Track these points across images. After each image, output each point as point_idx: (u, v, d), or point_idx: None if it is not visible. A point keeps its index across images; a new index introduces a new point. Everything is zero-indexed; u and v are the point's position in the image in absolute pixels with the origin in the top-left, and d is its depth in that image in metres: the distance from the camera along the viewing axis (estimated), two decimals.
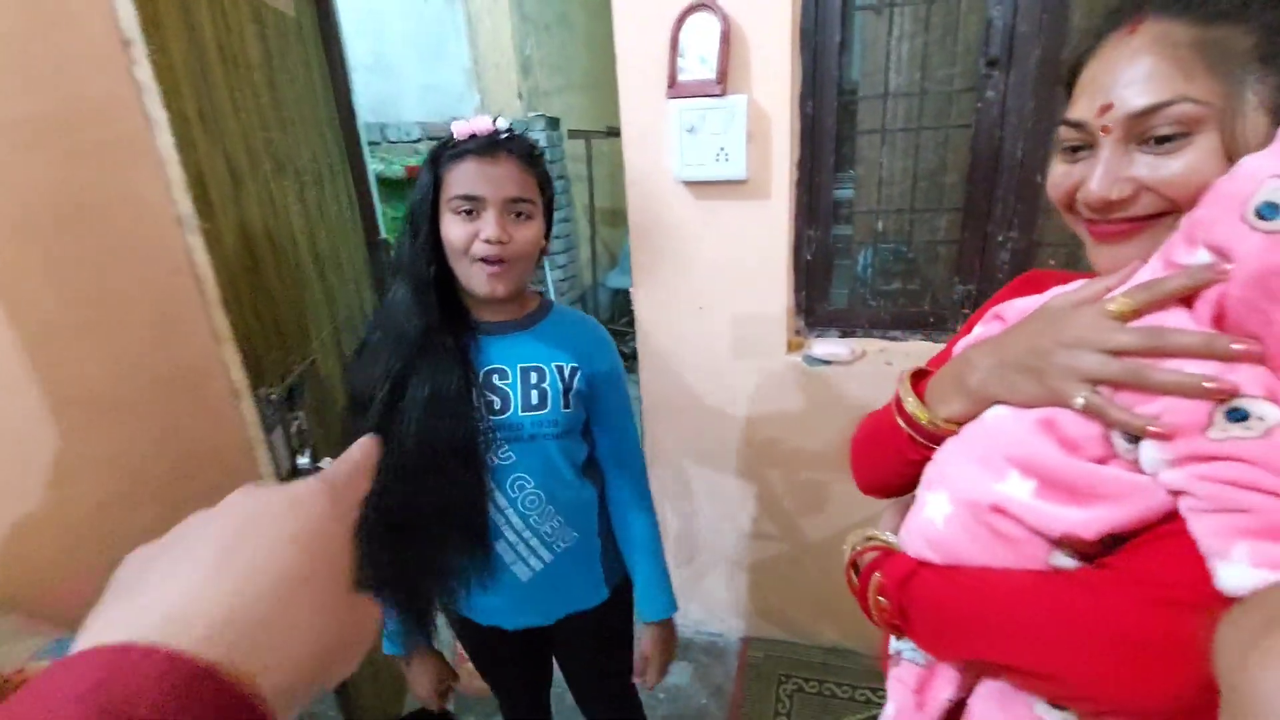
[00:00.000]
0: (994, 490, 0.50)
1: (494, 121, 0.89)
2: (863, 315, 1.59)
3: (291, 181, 1.22)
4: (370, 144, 1.85)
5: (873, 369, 1.51)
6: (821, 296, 1.60)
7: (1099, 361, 0.46)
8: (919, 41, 1.41)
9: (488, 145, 0.87)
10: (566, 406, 0.95)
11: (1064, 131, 0.54)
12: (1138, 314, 0.46)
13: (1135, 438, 0.45)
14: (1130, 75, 0.48)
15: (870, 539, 0.64)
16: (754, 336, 1.55)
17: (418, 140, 2.20)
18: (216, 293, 0.97)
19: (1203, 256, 0.43)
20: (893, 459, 0.65)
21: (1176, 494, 0.43)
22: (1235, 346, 0.41)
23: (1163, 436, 0.43)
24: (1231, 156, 0.44)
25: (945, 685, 0.57)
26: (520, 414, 0.93)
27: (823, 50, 1.38)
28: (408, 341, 0.89)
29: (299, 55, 1.32)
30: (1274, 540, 0.38)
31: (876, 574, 0.59)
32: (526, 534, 0.97)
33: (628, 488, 1.07)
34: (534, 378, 0.95)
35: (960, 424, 0.57)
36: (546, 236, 0.97)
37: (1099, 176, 0.50)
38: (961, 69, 1.40)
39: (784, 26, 1.30)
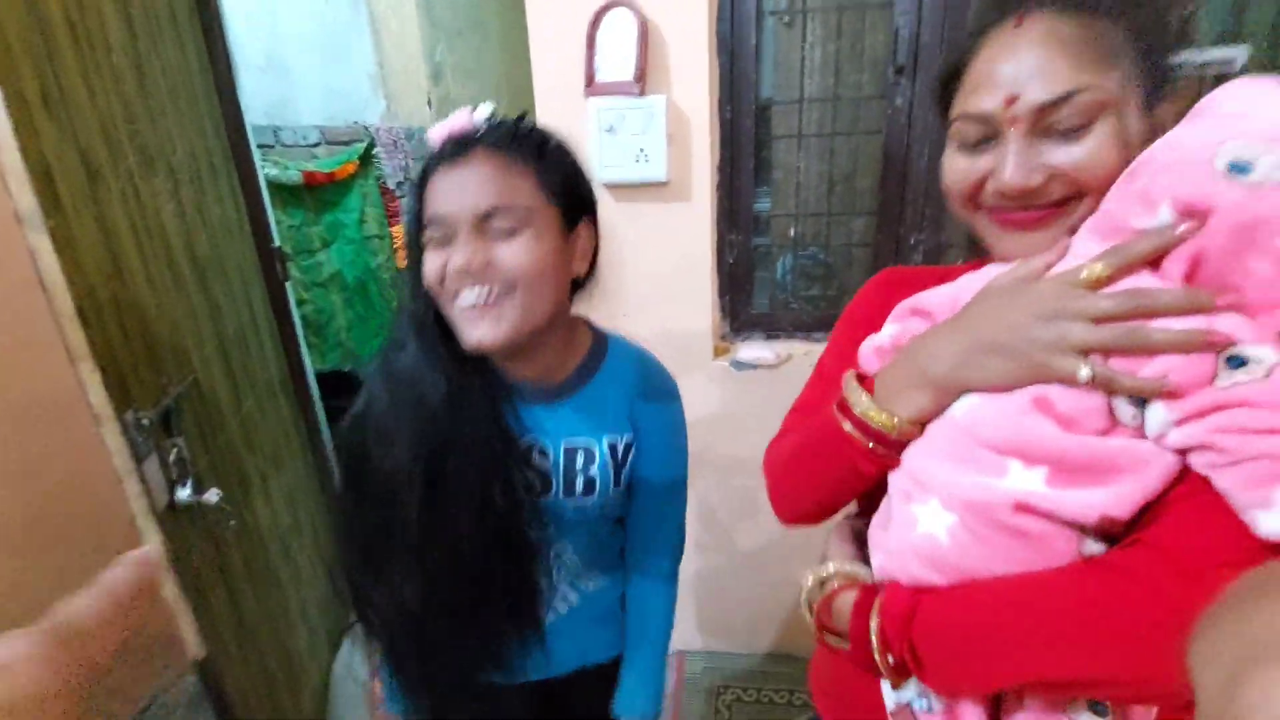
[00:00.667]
0: (1003, 488, 0.46)
1: (471, 114, 0.70)
2: (785, 319, 1.60)
3: (164, 179, 1.09)
4: (262, 146, 1.70)
5: (799, 372, 1.50)
6: (745, 301, 1.60)
7: (1086, 330, 0.44)
8: (830, 49, 1.45)
9: (456, 147, 0.67)
10: (617, 485, 0.80)
11: (964, 126, 0.53)
12: (1111, 280, 0.45)
13: (1140, 402, 0.44)
14: (1031, 68, 0.49)
15: (840, 576, 0.57)
16: (680, 343, 1.53)
17: (316, 144, 2.05)
18: (70, 302, 0.84)
19: (1165, 217, 0.43)
20: (838, 475, 0.58)
21: (1184, 453, 0.43)
22: (1217, 299, 0.42)
23: (1174, 395, 0.42)
24: (1125, 142, 0.48)
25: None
26: (562, 498, 0.78)
27: (739, 55, 1.39)
28: (431, 412, 0.70)
29: (173, 41, 1.19)
30: None
31: (874, 619, 0.51)
32: (558, 583, 0.86)
33: (656, 566, 0.92)
34: (581, 459, 0.77)
35: (924, 423, 0.53)
36: (593, 259, 0.77)
37: (1014, 165, 0.50)
38: (871, 76, 1.45)
39: (701, 30, 1.29)
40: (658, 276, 1.47)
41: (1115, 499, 0.44)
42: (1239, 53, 1.23)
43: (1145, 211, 0.44)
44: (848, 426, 0.55)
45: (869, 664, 0.52)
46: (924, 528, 0.51)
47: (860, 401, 0.55)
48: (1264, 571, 0.36)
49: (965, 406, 0.50)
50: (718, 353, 1.56)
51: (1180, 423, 0.42)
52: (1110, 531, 0.46)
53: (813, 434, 0.61)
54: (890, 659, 0.51)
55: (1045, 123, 0.49)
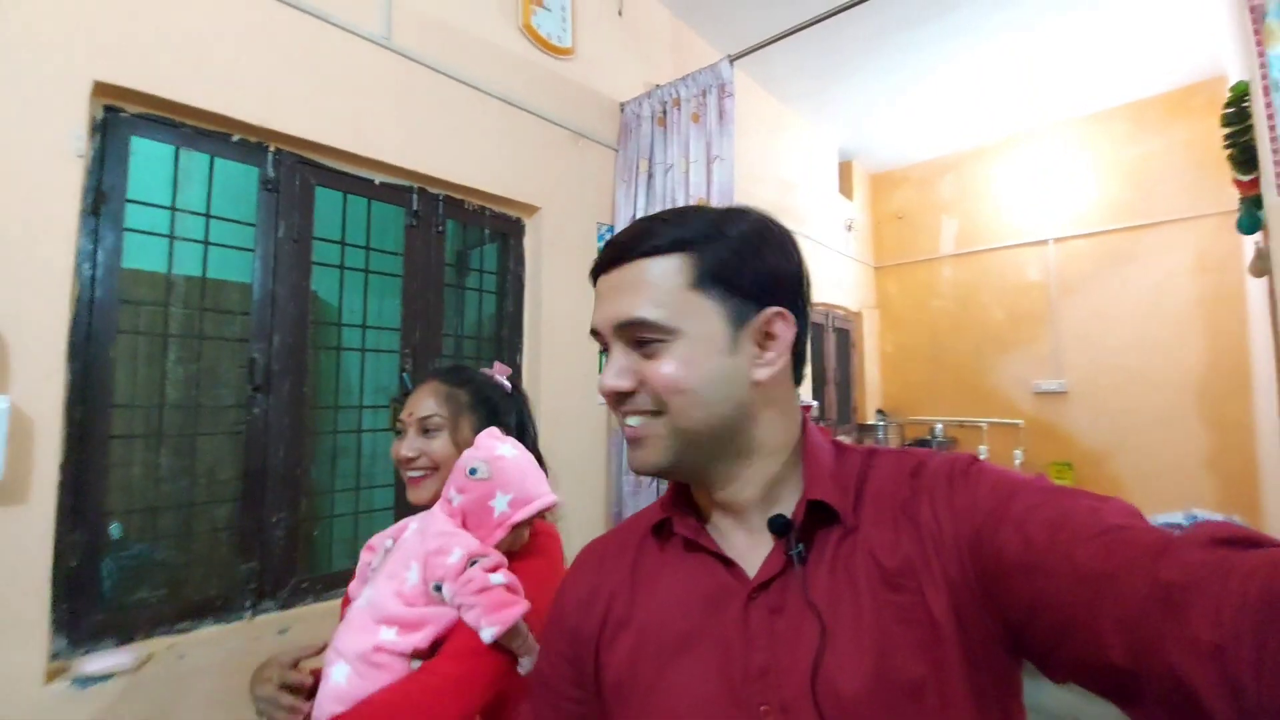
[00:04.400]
0: (373, 642, 0.85)
1: None
2: (142, 615, 1.44)
3: None
4: None
5: (164, 669, 1.35)
6: (90, 606, 1.38)
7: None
8: (193, 367, 1.62)
9: None
10: None
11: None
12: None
13: (438, 587, 0.89)
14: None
15: None
16: None
17: None
18: None
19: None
20: None
21: (459, 607, 0.88)
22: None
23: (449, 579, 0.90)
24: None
25: None
26: None
27: (95, 362, 1.39)
28: None
29: None
30: (498, 612, 0.86)
31: None
32: None
33: None
34: None
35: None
36: None
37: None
38: (235, 389, 1.68)
39: (59, 337, 1.31)
40: None
41: (423, 638, 0.87)
42: None
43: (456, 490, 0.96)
44: None
45: None
46: (334, 680, 0.84)
47: None
48: None
49: (359, 605, 0.90)
50: (50, 676, 1.29)
51: (454, 595, 0.87)
52: (422, 655, 0.87)
53: None
54: None
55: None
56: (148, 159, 1.54)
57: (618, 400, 0.60)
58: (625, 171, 2.63)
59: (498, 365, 1.18)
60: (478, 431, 1.03)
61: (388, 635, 0.86)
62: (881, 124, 4.33)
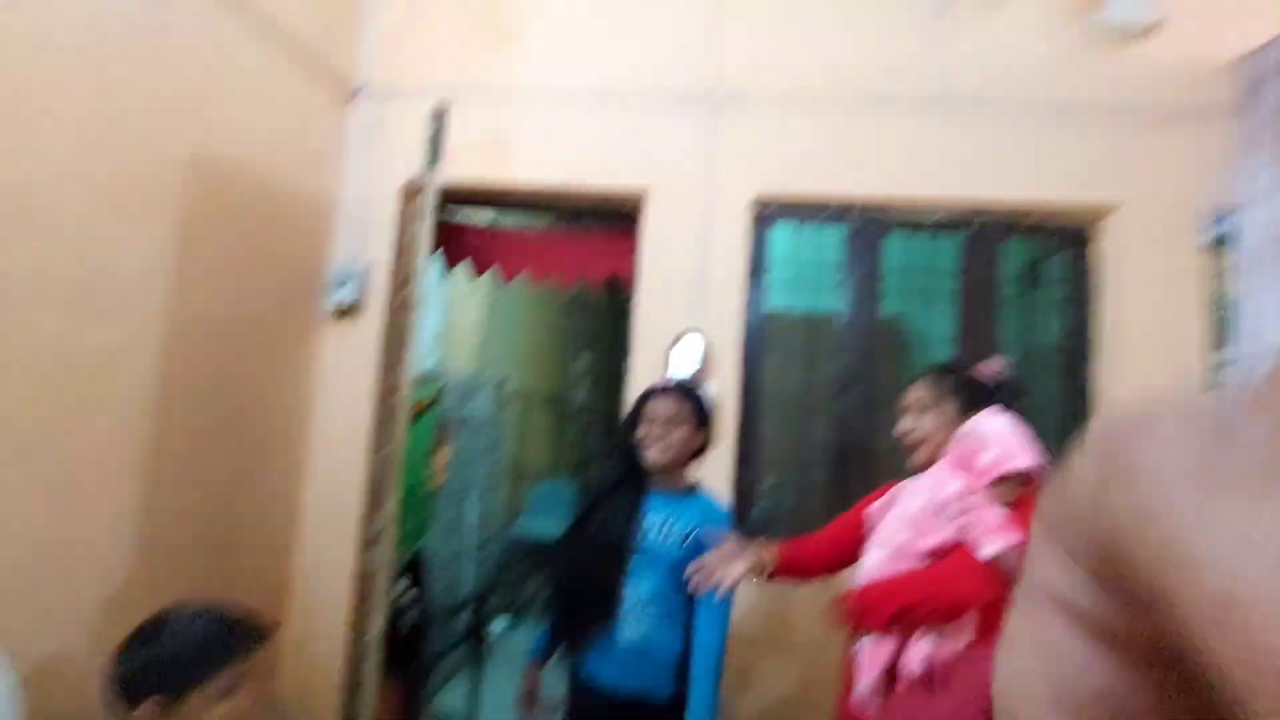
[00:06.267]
0: (901, 540, 1.28)
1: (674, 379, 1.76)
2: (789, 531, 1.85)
3: None
4: None
5: None
6: (759, 527, 2.11)
7: None
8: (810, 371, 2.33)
9: (662, 390, 1.63)
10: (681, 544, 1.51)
11: None
12: None
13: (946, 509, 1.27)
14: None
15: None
16: None
17: None
18: None
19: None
20: None
21: (960, 526, 1.22)
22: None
23: None
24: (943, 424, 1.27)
25: (883, 645, 1.23)
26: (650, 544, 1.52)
27: (754, 367, 2.27)
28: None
29: None
30: (989, 535, 1.16)
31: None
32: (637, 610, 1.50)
33: (707, 625, 1.48)
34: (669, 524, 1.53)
35: None
36: (702, 446, 1.61)
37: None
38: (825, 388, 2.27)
39: (736, 351, 2.23)
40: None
41: (930, 542, 1.25)
42: None
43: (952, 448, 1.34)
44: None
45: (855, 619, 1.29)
46: (867, 564, 1.33)
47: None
48: None
49: (894, 517, 1.36)
50: None
51: (952, 512, 1.23)
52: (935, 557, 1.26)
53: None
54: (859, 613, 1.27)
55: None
56: (778, 233, 2.35)
57: None
58: (1250, 142, 2.18)
59: (991, 362, 1.41)
60: (961, 411, 1.32)
61: (908, 537, 1.27)
62: None
